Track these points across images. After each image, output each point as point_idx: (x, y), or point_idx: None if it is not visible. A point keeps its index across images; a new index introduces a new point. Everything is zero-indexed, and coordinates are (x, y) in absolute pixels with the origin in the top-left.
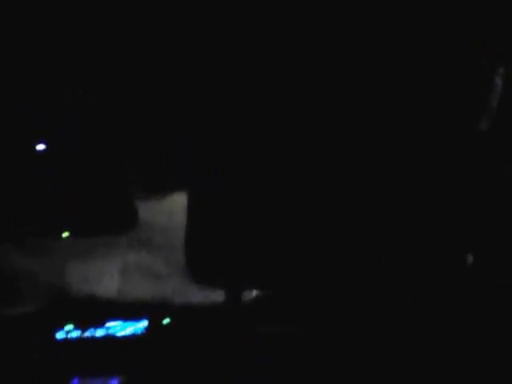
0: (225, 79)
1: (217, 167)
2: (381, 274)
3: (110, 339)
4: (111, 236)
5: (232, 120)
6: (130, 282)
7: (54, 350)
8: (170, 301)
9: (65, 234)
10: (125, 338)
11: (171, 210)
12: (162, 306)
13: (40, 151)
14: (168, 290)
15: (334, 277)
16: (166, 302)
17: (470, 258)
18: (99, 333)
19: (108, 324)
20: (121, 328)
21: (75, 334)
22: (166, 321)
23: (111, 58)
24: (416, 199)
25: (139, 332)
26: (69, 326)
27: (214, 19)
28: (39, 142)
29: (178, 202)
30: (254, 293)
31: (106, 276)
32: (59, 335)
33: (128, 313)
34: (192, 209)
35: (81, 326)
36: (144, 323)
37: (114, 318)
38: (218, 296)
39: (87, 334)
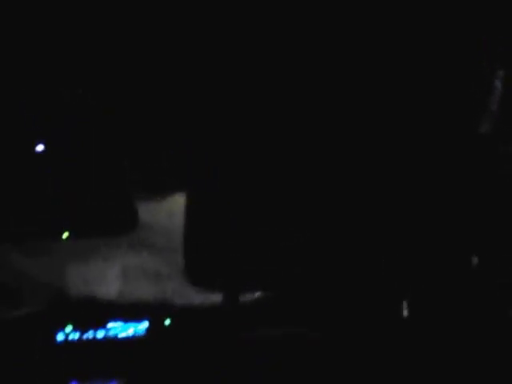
0: (224, 79)
1: (217, 167)
2: (381, 275)
3: (110, 341)
4: (111, 237)
5: (232, 120)
6: (130, 283)
7: (54, 351)
8: (170, 302)
9: (65, 235)
10: (125, 339)
11: (172, 210)
12: (162, 307)
13: (40, 151)
14: (168, 291)
15: (334, 277)
16: (166, 303)
17: (475, 259)
18: (99, 334)
19: (108, 325)
20: (121, 329)
21: (75, 335)
22: (167, 322)
23: (111, 57)
24: (416, 199)
25: (140, 333)
26: (69, 328)
27: (214, 19)
28: (39, 142)
29: (179, 202)
30: (255, 294)
31: (106, 277)
32: (59, 337)
33: (128, 314)
34: (192, 210)
35: (81, 327)
36: (144, 324)
37: (115, 320)
38: (218, 297)
39: (87, 335)
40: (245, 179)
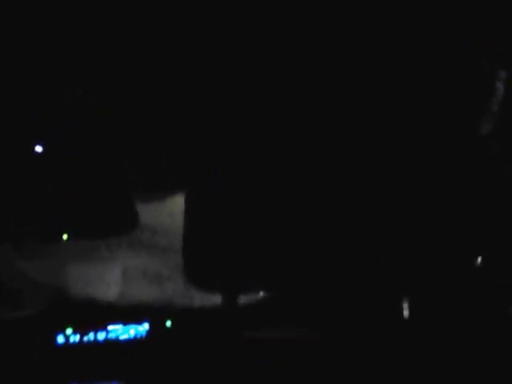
0: (224, 79)
1: (217, 168)
2: (382, 275)
3: (111, 343)
4: (112, 238)
5: (232, 120)
6: (130, 285)
7: (55, 353)
8: (171, 303)
9: (65, 237)
10: (126, 341)
11: (172, 211)
12: (163, 309)
13: (39, 152)
14: (169, 292)
15: (335, 278)
16: (167, 304)
17: (475, 259)
18: (100, 336)
19: (109, 327)
20: (122, 331)
21: (76, 337)
22: (168, 324)
23: (111, 57)
24: (416, 199)
25: (140, 335)
26: (69, 330)
27: (214, 19)
28: (38, 143)
29: (180, 203)
30: (256, 295)
31: (106, 279)
32: (60, 339)
33: (129, 316)
34: (192, 211)
35: (81, 329)
36: (145, 326)
37: (115, 321)
38: (219, 298)
39: (88, 337)
40: (245, 180)
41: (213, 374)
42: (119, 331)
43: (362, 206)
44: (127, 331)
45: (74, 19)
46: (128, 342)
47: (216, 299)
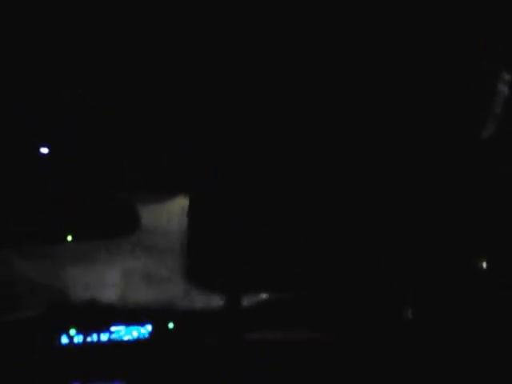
0: (225, 80)
1: (217, 169)
2: (384, 277)
3: (113, 344)
4: (113, 241)
5: (232, 121)
6: (132, 287)
7: (58, 354)
8: (172, 305)
9: (66, 239)
10: (128, 342)
11: (173, 213)
12: (164, 311)
13: (40, 153)
14: (170, 294)
15: (337, 280)
16: (168, 306)
17: (475, 259)
18: (102, 337)
19: (111, 329)
20: (124, 332)
21: (79, 338)
22: (170, 325)
23: (111, 58)
24: (418, 201)
25: (143, 336)
26: (72, 331)
27: (214, 19)
28: (39, 144)
29: (179, 205)
30: (257, 296)
31: (108, 281)
32: (63, 340)
33: (131, 317)
34: (193, 212)
35: (84, 330)
36: (147, 328)
37: (117, 323)
38: (220, 300)
39: (90, 338)
40: (246, 181)
41: (214, 376)
42: (122, 332)
43: (364, 206)
44: (130, 332)
45: (74, 20)
46: (130, 343)
47: (217, 301)
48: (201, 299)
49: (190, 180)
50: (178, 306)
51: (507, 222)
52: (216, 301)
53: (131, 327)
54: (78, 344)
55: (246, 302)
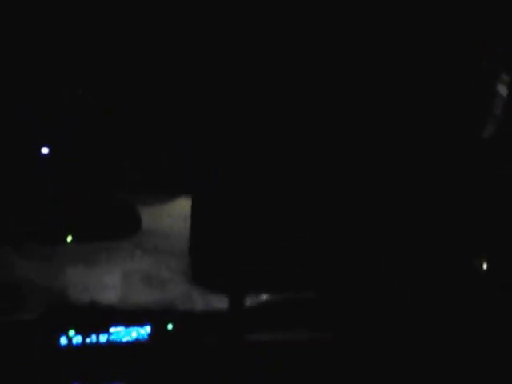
0: (225, 79)
1: (218, 170)
2: (385, 277)
3: (113, 345)
4: (114, 242)
5: (232, 121)
6: (131, 288)
7: (57, 356)
8: (172, 307)
9: (67, 240)
10: (128, 344)
11: (174, 215)
12: (164, 312)
13: (40, 153)
14: (170, 295)
15: (338, 280)
16: (168, 307)
17: (475, 259)
18: (102, 339)
19: (111, 330)
20: (124, 334)
21: (78, 339)
22: (169, 326)
23: (111, 57)
24: (417, 200)
25: (142, 338)
26: (71, 332)
27: (214, 19)
28: (39, 145)
29: (180, 206)
30: (258, 298)
31: (108, 282)
32: (62, 341)
33: (131, 319)
34: (194, 213)
35: (83, 332)
36: (147, 329)
37: (117, 324)
38: (221, 301)
39: (90, 339)
40: (247, 181)
41: (214, 377)
42: (121, 334)
43: (364, 206)
44: (129, 334)
45: (74, 20)
46: (130, 344)
47: (218, 302)
48: (201, 300)
49: (190, 181)
50: (177, 308)
51: (507, 222)
52: (216, 302)
53: (131, 328)
54: (78, 345)
55: (247, 302)
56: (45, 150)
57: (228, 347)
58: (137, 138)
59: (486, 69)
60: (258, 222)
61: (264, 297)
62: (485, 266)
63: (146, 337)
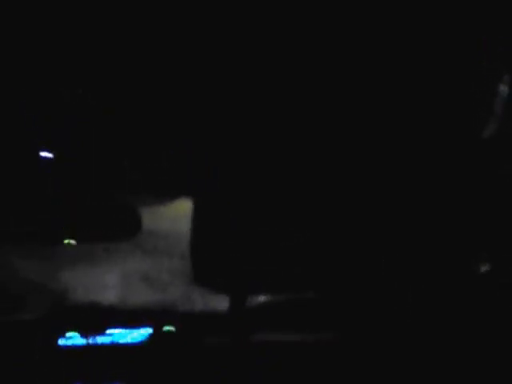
0: (225, 79)
1: (218, 171)
2: (383, 278)
3: (112, 346)
4: (114, 243)
5: (232, 121)
6: (132, 289)
7: (57, 357)
8: (172, 308)
9: (66, 241)
10: (128, 345)
11: (174, 216)
12: (164, 313)
13: (40, 153)
14: (170, 296)
15: (338, 280)
16: (168, 308)
17: (475, 259)
18: (101, 339)
19: (111, 331)
20: (124, 335)
21: (77, 341)
22: (169, 328)
23: (111, 57)
24: (417, 200)
25: (142, 339)
26: (71, 334)
27: (214, 19)
28: (39, 146)
29: (180, 207)
30: (258, 299)
31: (108, 283)
32: (62, 342)
33: (131, 320)
34: (194, 214)
35: (83, 333)
36: (147, 330)
37: (117, 325)
38: (221, 302)
39: (90, 341)
40: (247, 182)
41: (215, 378)
42: (121, 334)
43: (364, 206)
44: (129, 335)
45: (74, 19)
46: (130, 345)
47: (217, 302)
48: (201, 301)
49: (190, 181)
50: (178, 309)
51: (507, 222)
52: (216, 303)
53: (131, 329)
54: (77, 346)
55: (247, 303)
56: (45, 150)
57: (228, 348)
58: (137, 138)
59: (486, 68)
60: (258, 222)
61: (264, 297)
62: (485, 267)
63: (146, 337)
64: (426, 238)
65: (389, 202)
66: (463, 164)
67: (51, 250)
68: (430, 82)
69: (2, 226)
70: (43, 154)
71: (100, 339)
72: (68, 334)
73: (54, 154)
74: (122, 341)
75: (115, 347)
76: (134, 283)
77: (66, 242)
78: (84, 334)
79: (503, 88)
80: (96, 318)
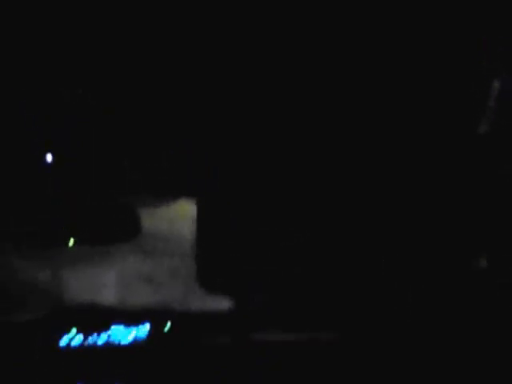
0: (225, 79)
1: (218, 171)
2: (384, 277)
3: (112, 345)
4: (113, 243)
5: (232, 121)
6: (131, 289)
7: (57, 356)
8: (170, 308)
9: (66, 241)
10: (127, 344)
11: (173, 217)
12: (163, 312)
13: (40, 154)
14: (169, 296)
15: (338, 280)
16: (166, 308)
17: (475, 259)
18: (101, 339)
19: (110, 330)
20: (123, 334)
21: (77, 340)
22: (167, 327)
23: (111, 57)
24: (417, 200)
25: (140, 338)
26: (71, 333)
27: (214, 19)
28: (39, 147)
29: (179, 209)
30: (258, 299)
31: (107, 283)
32: (62, 342)
33: (129, 319)
34: (194, 215)
35: (83, 332)
36: (146, 329)
37: (116, 325)
38: (218, 302)
39: (89, 340)
40: (248, 182)
41: (213, 377)
42: (120, 334)
43: (364, 206)
44: (128, 334)
45: (74, 19)
46: (129, 344)
47: (216, 302)
48: (200, 301)
49: (190, 182)
50: (176, 308)
51: (507, 222)
52: (214, 302)
53: (130, 328)
54: (77, 345)
55: (247, 303)
56: (45, 151)
57: (227, 348)
58: (137, 138)
59: (486, 68)
60: (258, 222)
61: (264, 297)
62: (485, 266)
63: (144, 337)
64: (425, 237)
65: (388, 202)
66: (463, 163)
67: (51, 250)
68: (430, 82)
69: (2, 225)
70: (43, 154)
71: (100, 339)
72: (68, 334)
73: (54, 154)
74: (121, 341)
75: (115, 347)
76: (133, 283)
77: (66, 242)
78: (84, 334)
79: (503, 87)
80: (96, 319)
